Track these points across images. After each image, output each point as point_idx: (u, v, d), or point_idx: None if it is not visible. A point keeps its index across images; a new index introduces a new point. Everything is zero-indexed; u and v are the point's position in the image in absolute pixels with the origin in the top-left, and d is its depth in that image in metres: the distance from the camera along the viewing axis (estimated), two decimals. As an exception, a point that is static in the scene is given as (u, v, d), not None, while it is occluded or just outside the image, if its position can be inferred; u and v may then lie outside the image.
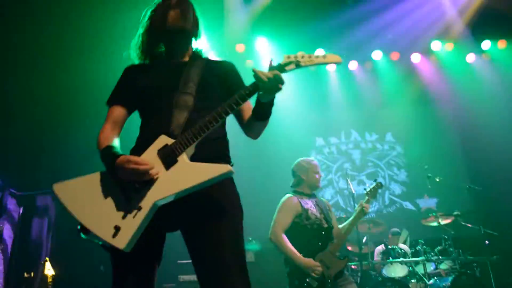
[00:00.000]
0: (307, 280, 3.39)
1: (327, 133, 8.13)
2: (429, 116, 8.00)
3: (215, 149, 1.89)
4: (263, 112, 1.91)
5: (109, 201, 1.75)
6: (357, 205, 3.91)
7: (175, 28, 1.98)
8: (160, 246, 1.87)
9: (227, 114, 1.81)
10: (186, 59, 2.07)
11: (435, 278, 5.21)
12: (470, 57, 7.76)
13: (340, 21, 6.69)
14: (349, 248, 6.03)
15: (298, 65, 1.86)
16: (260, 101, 1.87)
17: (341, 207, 7.59)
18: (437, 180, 5.41)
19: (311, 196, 3.76)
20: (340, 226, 3.91)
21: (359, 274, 5.33)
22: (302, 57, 1.86)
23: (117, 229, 1.67)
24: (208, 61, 2.09)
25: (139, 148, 1.85)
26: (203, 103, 1.91)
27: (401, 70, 7.86)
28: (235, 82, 2.05)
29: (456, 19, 6.96)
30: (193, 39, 2.10)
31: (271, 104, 1.90)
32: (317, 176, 3.77)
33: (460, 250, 5.26)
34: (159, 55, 2.09)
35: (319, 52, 2.01)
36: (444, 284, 4.85)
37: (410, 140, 7.96)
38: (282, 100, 7.40)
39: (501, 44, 7.51)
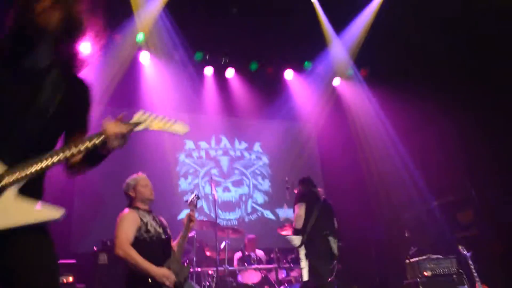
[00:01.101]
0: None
1: (197, 137, 8.08)
2: (295, 131, 8.48)
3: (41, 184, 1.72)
4: (98, 160, 1.81)
5: None
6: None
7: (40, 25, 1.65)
8: None
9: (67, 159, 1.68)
10: (43, 66, 1.74)
11: (286, 284, 5.45)
12: (336, 81, 8.42)
13: (224, 27, 6.77)
14: (208, 253, 6.02)
15: (148, 127, 1.87)
16: (98, 151, 1.75)
17: (205, 212, 7.57)
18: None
19: (147, 211, 3.67)
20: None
21: (214, 279, 5.34)
22: (155, 119, 1.88)
23: None
24: (71, 75, 1.82)
25: None
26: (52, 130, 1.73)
27: (275, 84, 8.20)
28: (84, 113, 1.88)
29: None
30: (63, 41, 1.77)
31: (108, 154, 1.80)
32: (146, 189, 3.69)
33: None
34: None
35: (170, 119, 1.99)
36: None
37: (275, 152, 8.31)
38: (153, 97, 7.20)
39: (363, 72, 8.28)
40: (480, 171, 6.57)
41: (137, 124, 1.83)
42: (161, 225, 3.65)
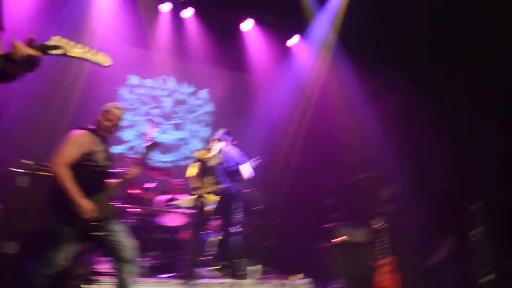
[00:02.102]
0: (77, 219, 3.20)
1: (144, 73, 7.82)
2: (245, 83, 8.42)
3: None
4: (5, 80, 1.72)
5: None
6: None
7: None
8: None
9: None
10: None
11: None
12: (292, 40, 8.35)
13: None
14: (134, 192, 6.00)
15: (65, 53, 1.79)
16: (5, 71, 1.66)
17: (139, 151, 7.47)
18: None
19: (104, 141, 3.53)
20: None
21: (137, 219, 5.37)
22: (74, 46, 1.81)
23: None
24: None
25: None
26: None
27: (233, 32, 8.00)
28: None
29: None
30: None
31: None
32: (110, 123, 3.53)
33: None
34: None
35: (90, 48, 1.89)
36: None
37: (222, 101, 8.24)
38: (102, 26, 6.83)
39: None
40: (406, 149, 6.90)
41: (51, 48, 1.76)
42: (110, 159, 3.53)
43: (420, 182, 7.18)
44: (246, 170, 5.28)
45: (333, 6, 7.59)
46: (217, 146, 5.24)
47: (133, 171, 3.59)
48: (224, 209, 5.06)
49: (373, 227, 6.34)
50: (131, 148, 7.34)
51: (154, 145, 3.74)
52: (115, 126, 3.58)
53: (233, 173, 5.23)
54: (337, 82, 7.95)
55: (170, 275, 4.87)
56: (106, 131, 3.53)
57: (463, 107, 6.25)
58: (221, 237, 5.15)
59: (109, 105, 3.59)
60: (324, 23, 7.76)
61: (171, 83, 8.10)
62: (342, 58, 7.76)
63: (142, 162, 3.70)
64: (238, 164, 5.27)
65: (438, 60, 6.59)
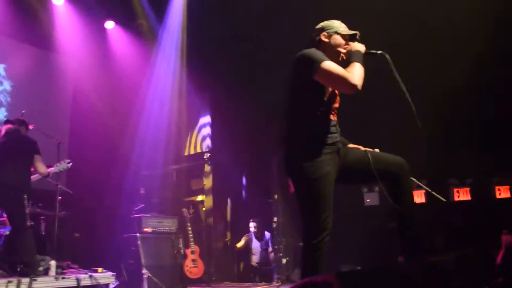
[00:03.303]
0: None
1: None
2: (50, 62, 7.65)
3: None
4: None
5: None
6: None
7: None
8: None
9: None
10: None
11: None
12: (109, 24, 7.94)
13: None
14: None
15: None
16: None
17: None
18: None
19: None
20: None
21: None
22: None
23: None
24: None
25: None
26: None
27: (40, 4, 7.16)
28: None
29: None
30: None
31: None
32: None
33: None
34: None
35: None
36: None
37: (22, 79, 7.31)
38: None
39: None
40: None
41: None
42: None
43: (227, 176, 7.64)
44: (40, 164, 4.72)
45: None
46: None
47: None
48: (4, 201, 4.49)
49: (180, 217, 6.47)
50: None
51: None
52: None
53: (21, 161, 4.65)
54: (154, 70, 7.87)
55: None
56: None
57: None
58: (7, 233, 4.56)
59: None
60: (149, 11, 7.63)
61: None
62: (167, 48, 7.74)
63: None
64: (31, 152, 4.70)
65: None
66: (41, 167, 4.73)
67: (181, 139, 8.01)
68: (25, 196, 4.50)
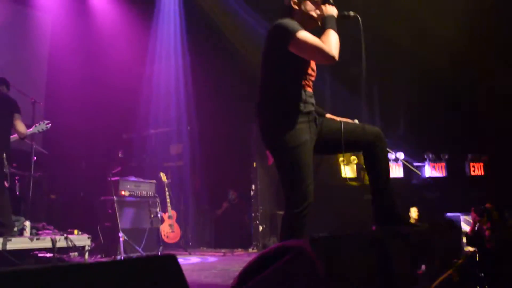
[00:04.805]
0: None
1: None
2: (26, 18, 7.35)
3: None
4: None
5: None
6: None
7: None
8: None
9: None
10: None
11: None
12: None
13: None
14: None
15: None
16: None
17: None
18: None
19: None
20: None
21: None
22: None
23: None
24: None
25: None
26: None
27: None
28: None
29: None
30: None
31: None
32: None
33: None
34: None
35: None
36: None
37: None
38: None
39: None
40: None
41: None
42: None
43: (206, 143, 7.61)
44: (21, 124, 4.58)
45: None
46: None
47: None
48: None
49: (158, 181, 6.45)
50: None
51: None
52: None
53: (1, 121, 4.52)
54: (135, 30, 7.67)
55: None
56: None
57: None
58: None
59: None
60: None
61: None
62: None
63: None
64: (12, 112, 4.55)
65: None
66: (21, 127, 4.60)
67: (161, 103, 7.90)
68: (4, 156, 4.40)
